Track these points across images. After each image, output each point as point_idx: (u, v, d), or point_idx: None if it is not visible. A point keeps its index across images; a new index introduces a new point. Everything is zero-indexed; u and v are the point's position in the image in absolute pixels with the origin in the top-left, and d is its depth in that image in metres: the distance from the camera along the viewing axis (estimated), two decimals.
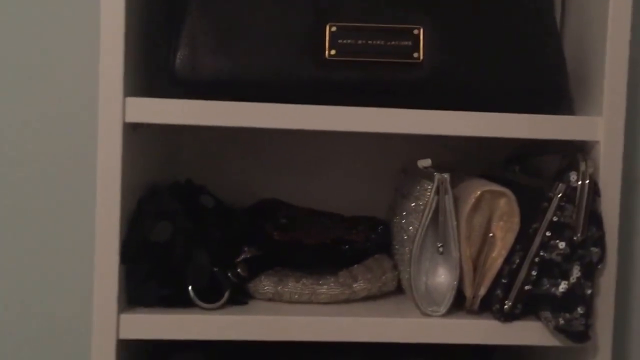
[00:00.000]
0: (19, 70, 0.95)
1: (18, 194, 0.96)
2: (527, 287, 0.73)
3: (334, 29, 0.73)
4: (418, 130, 0.73)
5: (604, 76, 0.74)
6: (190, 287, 0.74)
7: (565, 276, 0.72)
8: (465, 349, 0.78)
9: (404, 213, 0.81)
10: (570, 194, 0.73)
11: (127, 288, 0.74)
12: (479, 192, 0.73)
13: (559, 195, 0.72)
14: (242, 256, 0.80)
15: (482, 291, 0.75)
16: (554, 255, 0.73)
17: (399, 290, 0.82)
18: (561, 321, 0.71)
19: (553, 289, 0.72)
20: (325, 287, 0.78)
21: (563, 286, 0.72)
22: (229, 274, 0.77)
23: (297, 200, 0.95)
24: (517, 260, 0.73)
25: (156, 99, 0.71)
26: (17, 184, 0.96)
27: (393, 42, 0.73)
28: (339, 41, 0.73)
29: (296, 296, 0.77)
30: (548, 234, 0.73)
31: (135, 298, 0.74)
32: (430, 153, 0.81)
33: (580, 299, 0.72)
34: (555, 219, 0.72)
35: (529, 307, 0.74)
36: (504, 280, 0.74)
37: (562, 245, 0.72)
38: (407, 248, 0.77)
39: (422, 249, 0.74)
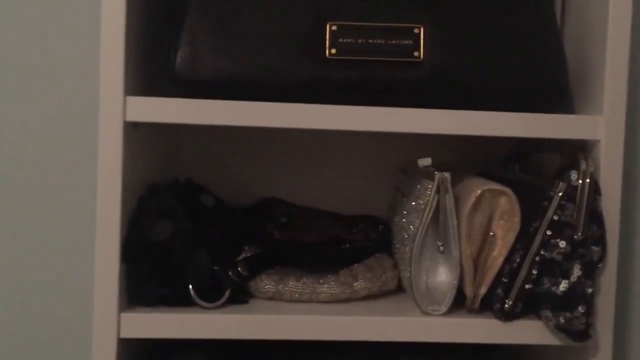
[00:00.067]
0: (19, 70, 0.95)
1: (18, 194, 0.96)
2: (527, 286, 0.73)
3: (334, 28, 0.73)
4: (418, 129, 0.73)
5: (604, 75, 0.74)
6: (190, 286, 0.74)
7: (566, 275, 0.72)
8: (466, 348, 0.78)
9: (405, 212, 0.81)
10: (571, 193, 0.73)
11: (128, 287, 0.74)
12: (479, 191, 0.73)
13: (560, 194, 0.72)
14: (243, 255, 0.80)
15: (483, 290, 0.75)
16: (554, 254, 0.72)
17: (399, 289, 0.82)
18: (562, 320, 0.71)
19: (554, 288, 0.72)
20: (326, 286, 0.78)
21: (564, 285, 0.72)
22: (230, 273, 0.77)
23: (297, 199, 0.95)
24: (518, 259, 0.73)
25: (156, 98, 0.71)
26: (17, 184, 0.95)
27: (393, 41, 0.73)
28: (340, 40, 0.73)
29: (297, 295, 0.77)
30: (549, 232, 0.73)
31: (135, 297, 0.74)
32: (430, 152, 0.81)
33: (581, 297, 0.72)
34: (555, 217, 0.72)
35: (529, 306, 0.74)
36: (504, 279, 0.74)
37: (562, 244, 0.72)
38: (407, 247, 0.77)
39: (422, 248, 0.74)
